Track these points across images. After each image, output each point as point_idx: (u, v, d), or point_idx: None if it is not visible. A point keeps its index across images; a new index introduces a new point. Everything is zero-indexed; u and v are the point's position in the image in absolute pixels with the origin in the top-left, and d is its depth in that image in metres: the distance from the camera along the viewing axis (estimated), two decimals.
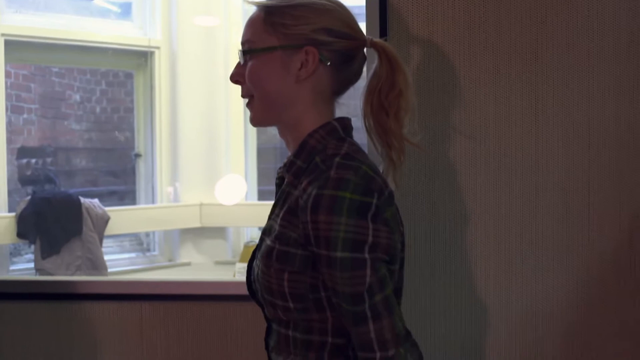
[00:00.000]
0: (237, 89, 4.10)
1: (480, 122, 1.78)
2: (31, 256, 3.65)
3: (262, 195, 4.26)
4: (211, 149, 4.08)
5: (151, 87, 4.08)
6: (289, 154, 1.36)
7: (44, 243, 3.46)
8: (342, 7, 1.32)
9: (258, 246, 1.33)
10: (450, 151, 1.79)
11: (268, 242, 1.25)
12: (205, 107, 4.08)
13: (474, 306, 1.81)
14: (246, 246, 3.76)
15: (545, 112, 1.77)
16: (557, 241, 1.78)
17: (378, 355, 1.15)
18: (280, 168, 1.41)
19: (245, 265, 3.60)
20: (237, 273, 3.62)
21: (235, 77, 1.33)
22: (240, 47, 1.33)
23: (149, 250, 4.14)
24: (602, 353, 1.78)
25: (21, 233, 3.45)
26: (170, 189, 4.07)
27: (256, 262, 1.30)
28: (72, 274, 3.37)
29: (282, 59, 1.27)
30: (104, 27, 4.00)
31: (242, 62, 1.31)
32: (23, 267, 3.68)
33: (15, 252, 3.78)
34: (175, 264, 4.05)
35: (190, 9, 4.04)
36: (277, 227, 1.25)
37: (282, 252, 1.21)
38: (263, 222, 4.33)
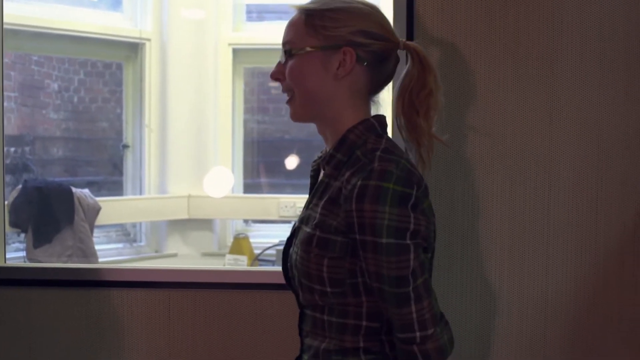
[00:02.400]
0: (226, 82, 4.15)
1: (498, 123, 1.87)
2: (19, 245, 3.63)
3: (247, 189, 4.30)
4: (199, 142, 4.10)
5: (141, 79, 4.08)
6: (326, 148, 1.44)
7: (36, 232, 3.44)
8: (378, 11, 1.40)
9: (294, 234, 1.40)
10: (469, 149, 1.88)
11: (308, 229, 1.32)
12: (194, 99, 4.09)
13: (487, 297, 1.90)
14: (236, 238, 3.81)
15: (560, 114, 1.87)
16: (567, 237, 1.88)
17: (418, 334, 1.25)
18: (314, 162, 1.50)
19: (236, 257, 3.67)
20: (227, 264, 3.68)
21: (276, 75, 1.41)
22: (282, 48, 1.40)
23: (135, 240, 4.14)
24: (607, 345, 1.89)
25: (13, 222, 3.43)
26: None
27: (294, 249, 1.37)
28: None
29: (322, 58, 1.35)
30: (94, 18, 3.98)
31: (282, 61, 1.40)
32: (12, 257, 3.64)
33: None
34: (162, 255, 4.06)
35: (181, 2, 4.04)
36: (316, 215, 1.32)
37: (323, 239, 1.29)
38: (249, 215, 4.36)
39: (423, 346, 1.26)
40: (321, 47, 1.34)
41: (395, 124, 1.42)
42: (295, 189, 4.26)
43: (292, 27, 1.39)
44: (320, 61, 1.35)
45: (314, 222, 1.31)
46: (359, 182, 1.24)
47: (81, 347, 2.01)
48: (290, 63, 1.37)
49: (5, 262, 2.08)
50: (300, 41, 1.36)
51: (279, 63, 1.41)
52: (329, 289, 1.30)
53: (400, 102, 1.39)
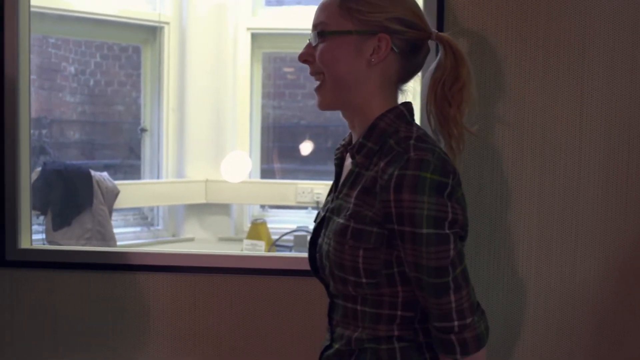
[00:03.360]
0: (245, 67, 4.12)
1: (528, 113, 1.87)
2: (38, 227, 3.65)
3: (264, 174, 4.30)
4: (217, 126, 4.09)
5: (159, 62, 4.07)
6: (347, 136, 1.43)
7: (55, 215, 3.45)
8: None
9: (323, 224, 1.38)
10: (498, 138, 1.88)
11: (341, 220, 1.31)
12: (213, 84, 4.08)
13: (515, 287, 1.90)
14: (254, 223, 3.81)
15: (590, 104, 1.86)
16: (596, 228, 1.87)
17: (456, 324, 1.24)
18: (337, 150, 1.48)
19: (253, 242, 3.67)
20: (245, 249, 3.68)
21: (305, 57, 1.38)
22: (311, 29, 1.37)
23: (152, 224, 4.15)
24: (633, 336, 1.89)
25: (32, 204, 3.44)
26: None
27: (325, 240, 1.35)
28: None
29: (356, 43, 1.32)
30: (114, 1, 3.97)
31: (313, 43, 1.36)
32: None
33: None
34: (179, 239, 4.07)
35: None
36: (349, 206, 1.31)
37: (358, 230, 1.27)
38: (266, 200, 4.35)
39: (461, 335, 1.25)
40: (356, 32, 1.32)
41: (425, 114, 1.41)
42: (309, 175, 4.26)
43: (325, 9, 1.36)
44: (353, 46, 1.32)
45: (348, 213, 1.30)
46: (396, 172, 1.23)
47: (106, 330, 2.02)
48: (321, 46, 1.34)
49: (31, 244, 2.09)
50: (334, 23, 1.33)
51: (309, 45, 1.38)
52: (364, 280, 1.29)
53: (433, 94, 1.37)
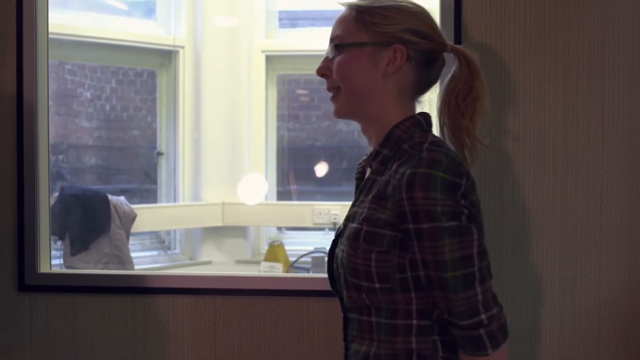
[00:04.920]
0: (259, 89, 4.14)
1: (549, 125, 1.85)
2: (55, 252, 3.65)
3: (280, 196, 4.30)
4: (233, 149, 4.10)
5: (174, 86, 4.09)
6: (370, 150, 1.43)
7: (73, 240, 3.46)
8: (426, 11, 1.41)
9: (341, 232, 1.39)
10: (520, 151, 1.86)
11: (354, 225, 1.31)
12: (228, 107, 4.09)
13: (539, 299, 1.87)
14: (271, 245, 3.80)
15: (611, 116, 1.84)
16: (620, 239, 1.85)
17: (484, 316, 1.23)
18: (359, 164, 1.48)
19: (271, 264, 3.65)
20: (262, 271, 3.67)
21: (322, 70, 1.41)
22: (328, 43, 1.40)
23: (169, 248, 4.15)
24: None
25: (52, 229, 3.45)
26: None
27: (340, 247, 1.35)
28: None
29: (371, 54, 1.35)
30: (128, 26, 4.01)
31: (330, 57, 1.39)
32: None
33: None
34: (196, 262, 4.06)
35: (215, 9, 4.05)
36: (364, 211, 1.30)
37: (370, 233, 1.27)
38: (283, 222, 4.36)
39: (489, 327, 1.24)
40: (371, 43, 1.34)
41: (438, 123, 1.41)
42: (326, 196, 4.25)
43: (341, 23, 1.39)
44: (369, 57, 1.35)
45: (361, 217, 1.30)
46: (407, 171, 1.23)
47: (126, 354, 2.01)
48: (338, 58, 1.37)
49: (50, 268, 2.09)
50: (349, 36, 1.36)
51: (326, 58, 1.40)
52: (377, 285, 1.27)
53: (446, 105, 1.38)
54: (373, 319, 1.32)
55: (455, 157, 1.27)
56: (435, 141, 1.31)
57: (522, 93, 1.85)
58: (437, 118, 1.41)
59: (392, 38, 1.34)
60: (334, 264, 1.39)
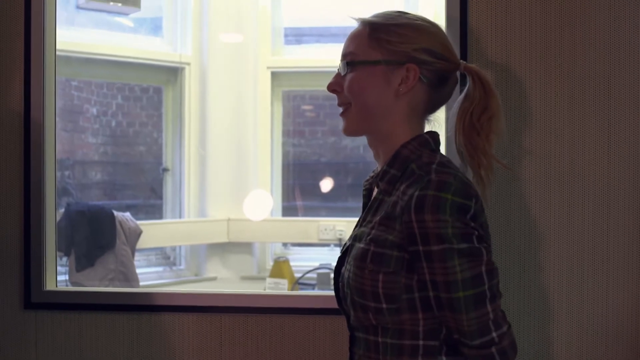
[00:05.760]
0: (265, 106, 4.14)
1: (555, 144, 1.85)
2: (61, 269, 3.65)
3: (286, 212, 4.29)
4: (239, 165, 4.11)
5: (180, 102, 4.11)
6: (377, 165, 1.43)
7: (79, 256, 3.46)
8: (441, 30, 1.39)
9: (347, 252, 1.38)
10: (526, 170, 1.86)
11: (362, 245, 1.30)
12: (234, 123, 4.11)
13: (546, 323, 1.86)
14: (277, 261, 3.80)
15: (618, 135, 1.84)
16: (627, 261, 1.84)
17: (495, 334, 1.23)
18: (366, 181, 1.48)
19: (276, 280, 3.65)
20: (268, 287, 3.66)
21: (333, 87, 1.40)
22: (340, 59, 1.39)
23: (175, 264, 4.15)
24: None
25: (57, 245, 3.46)
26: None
27: (346, 267, 1.35)
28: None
29: (384, 73, 1.33)
30: (135, 43, 4.03)
31: (342, 73, 1.38)
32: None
33: None
34: (202, 278, 4.06)
35: (220, 26, 4.07)
36: (371, 231, 1.30)
37: (377, 254, 1.27)
38: (289, 238, 4.37)
39: (500, 345, 1.24)
40: (385, 62, 1.33)
41: (454, 144, 1.40)
42: (331, 212, 4.25)
43: (354, 39, 1.37)
44: (382, 76, 1.34)
45: (369, 237, 1.30)
46: (416, 193, 1.23)
47: None
48: (350, 75, 1.36)
49: (56, 286, 2.09)
50: (363, 53, 1.35)
51: (337, 74, 1.39)
52: (384, 305, 1.27)
53: (461, 124, 1.37)
54: (380, 339, 1.31)
55: (464, 178, 1.27)
56: (444, 162, 1.31)
57: (528, 113, 1.85)
58: (453, 139, 1.39)
59: (405, 57, 1.33)
60: (340, 283, 1.39)
